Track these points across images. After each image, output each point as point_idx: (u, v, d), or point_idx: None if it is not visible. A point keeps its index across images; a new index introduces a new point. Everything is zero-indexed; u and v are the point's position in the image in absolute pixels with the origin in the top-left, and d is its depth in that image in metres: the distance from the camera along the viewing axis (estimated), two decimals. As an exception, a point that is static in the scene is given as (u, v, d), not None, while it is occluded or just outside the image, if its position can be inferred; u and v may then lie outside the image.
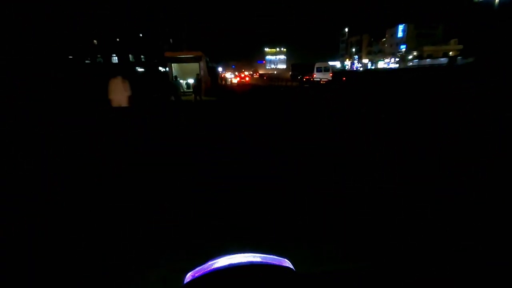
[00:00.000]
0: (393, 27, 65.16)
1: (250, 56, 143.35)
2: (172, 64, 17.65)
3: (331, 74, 27.00)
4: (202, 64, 18.26)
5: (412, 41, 59.49)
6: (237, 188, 3.46)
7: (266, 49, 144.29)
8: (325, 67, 27.12)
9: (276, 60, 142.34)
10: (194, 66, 17.83)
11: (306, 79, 28.74)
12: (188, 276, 0.46)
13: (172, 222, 2.69)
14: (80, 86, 19.09)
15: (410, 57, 56.36)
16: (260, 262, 0.45)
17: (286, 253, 0.53)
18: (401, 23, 61.47)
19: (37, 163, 4.74)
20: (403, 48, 60.49)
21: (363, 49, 79.46)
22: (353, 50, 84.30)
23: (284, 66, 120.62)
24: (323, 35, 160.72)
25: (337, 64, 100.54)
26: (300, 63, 35.48)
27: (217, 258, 0.46)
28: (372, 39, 77.11)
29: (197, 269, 0.46)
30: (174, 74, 15.87)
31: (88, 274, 2.01)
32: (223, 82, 40.14)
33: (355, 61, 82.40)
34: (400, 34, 62.09)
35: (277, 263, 0.46)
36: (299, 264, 0.51)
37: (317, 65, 27.38)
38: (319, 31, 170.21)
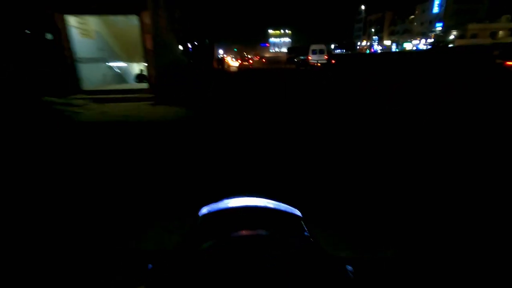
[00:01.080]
0: (426, 2, 54.60)
1: (253, 39, 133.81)
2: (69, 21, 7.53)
3: (326, 57, 26.49)
4: (150, 21, 7.79)
5: (450, 18, 49.21)
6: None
7: (270, 31, 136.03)
8: (320, 49, 26.70)
9: (280, 43, 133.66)
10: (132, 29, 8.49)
11: (301, 61, 27.97)
12: (203, 210, 0.46)
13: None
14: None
15: (451, 37, 46.29)
16: (274, 207, 0.46)
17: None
18: (438, -4, 50.90)
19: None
20: (439, 26, 50.23)
21: (385, 29, 68.85)
22: (372, 30, 73.63)
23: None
24: (333, 14, 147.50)
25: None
26: (296, 46, 35.64)
27: (233, 198, 0.47)
28: (396, 17, 66.42)
29: (212, 204, 0.46)
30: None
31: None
32: (220, 66, 32.11)
33: (375, 43, 71.93)
34: (435, 9, 51.56)
35: (289, 211, 0.47)
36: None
37: (312, 47, 26.97)
38: (329, 11, 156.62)
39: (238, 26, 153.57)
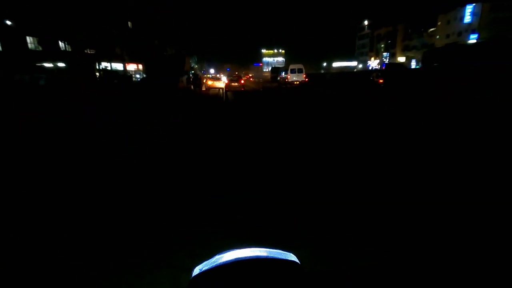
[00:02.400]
0: (452, 11, 46.50)
1: (246, 59, 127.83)
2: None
3: (304, 75, 28.27)
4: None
5: (486, 28, 40.78)
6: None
7: (263, 51, 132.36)
8: (298, 69, 28.50)
9: (273, 63, 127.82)
10: None
11: (281, 79, 30.75)
12: (196, 270, 0.47)
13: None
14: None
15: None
16: (266, 256, 0.46)
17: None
18: (469, 3, 42.67)
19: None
20: (473, 38, 41.61)
21: (397, 44, 60.66)
22: (382, 46, 65.50)
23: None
24: (330, 31, 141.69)
25: (353, 64, 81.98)
26: (278, 67, 40.92)
27: (224, 253, 0.47)
28: (410, 30, 58.46)
29: (204, 263, 0.47)
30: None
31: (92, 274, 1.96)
32: (196, 88, 26.51)
33: (385, 60, 63.51)
34: (467, 18, 43.25)
35: (282, 257, 0.47)
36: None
37: (291, 66, 29.03)
38: (326, 28, 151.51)
39: (231, 46, 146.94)
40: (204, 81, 30.25)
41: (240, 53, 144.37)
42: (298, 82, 27.35)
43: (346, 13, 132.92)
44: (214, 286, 0.43)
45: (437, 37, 49.94)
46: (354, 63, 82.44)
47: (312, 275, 0.46)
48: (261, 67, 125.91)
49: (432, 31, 51.52)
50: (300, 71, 28.33)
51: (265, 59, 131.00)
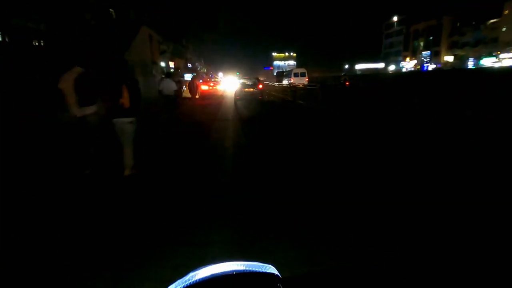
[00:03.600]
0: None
1: (257, 62, 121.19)
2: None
3: (307, 79, 29.47)
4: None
5: None
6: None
7: (274, 54, 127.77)
8: (301, 73, 30.46)
9: (284, 66, 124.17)
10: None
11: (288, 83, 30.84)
12: None
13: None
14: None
15: None
16: (244, 270, 0.44)
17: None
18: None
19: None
20: None
21: (442, 40, 50.38)
22: (421, 44, 55.29)
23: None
24: (350, 30, 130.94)
25: (379, 66, 71.78)
26: (283, 71, 43.76)
27: (198, 269, 0.45)
28: (459, 24, 48.20)
29: (177, 281, 0.44)
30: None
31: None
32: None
33: (426, 59, 53.25)
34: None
35: (261, 270, 0.45)
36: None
37: (294, 71, 31.81)
38: (344, 27, 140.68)
39: (240, 49, 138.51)
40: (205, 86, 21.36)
41: (250, 57, 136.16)
42: (301, 85, 27.74)
43: (369, 10, 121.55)
44: None
45: (503, 29, 39.56)
46: (380, 65, 72.27)
47: (291, 282, 0.46)
48: (272, 71, 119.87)
49: (494, 22, 41.16)
50: (302, 75, 29.90)
51: (276, 62, 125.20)
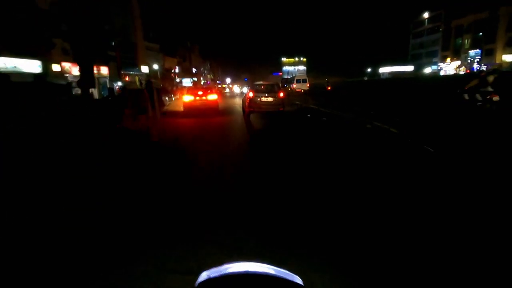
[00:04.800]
0: None
1: (266, 67, 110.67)
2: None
3: (308, 85, 32.70)
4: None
5: None
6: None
7: (284, 59, 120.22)
8: (303, 79, 33.84)
9: (294, 71, 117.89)
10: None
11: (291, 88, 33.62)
12: (203, 275, 0.46)
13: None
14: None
15: None
16: (274, 274, 0.46)
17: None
18: None
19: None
20: None
21: (498, 36, 40.95)
22: (467, 41, 45.87)
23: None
24: (368, 31, 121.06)
25: (408, 69, 62.38)
26: (287, 78, 45.80)
27: (233, 263, 0.47)
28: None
29: (212, 270, 0.46)
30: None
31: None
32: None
33: (474, 59, 43.75)
34: None
35: (289, 278, 0.47)
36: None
37: (296, 77, 35.25)
38: (361, 27, 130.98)
39: (249, 54, 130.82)
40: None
41: (259, 62, 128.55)
42: (302, 90, 30.45)
43: (393, 7, 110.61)
44: None
45: None
46: (409, 68, 62.84)
47: None
48: (281, 77, 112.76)
49: None
50: (304, 81, 33.47)
51: (285, 68, 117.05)
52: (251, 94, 11.28)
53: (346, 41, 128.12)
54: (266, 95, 11.11)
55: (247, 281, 0.43)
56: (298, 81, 33.39)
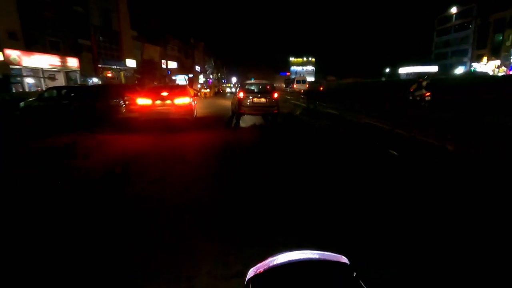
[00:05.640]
0: None
1: (273, 67, 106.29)
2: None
3: (307, 86, 35.23)
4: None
5: None
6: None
7: (292, 59, 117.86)
8: (302, 80, 37.57)
9: (302, 72, 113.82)
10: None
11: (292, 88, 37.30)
12: (251, 272, 0.48)
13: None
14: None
15: None
16: (318, 258, 0.47)
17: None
18: None
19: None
20: None
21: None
22: (509, 37, 39.49)
23: (312, 79, 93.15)
24: (383, 29, 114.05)
25: (431, 69, 56.05)
26: (289, 78, 54.45)
27: (277, 255, 0.48)
28: None
29: (258, 265, 0.48)
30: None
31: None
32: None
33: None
34: None
35: (334, 259, 0.48)
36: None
37: (296, 78, 39.82)
38: (374, 25, 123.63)
39: (256, 53, 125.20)
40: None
41: (266, 61, 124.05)
42: (301, 90, 31.77)
43: (413, 2, 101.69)
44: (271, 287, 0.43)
45: None
46: (433, 68, 56.46)
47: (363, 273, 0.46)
48: (288, 77, 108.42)
49: None
50: (303, 82, 36.75)
51: (293, 68, 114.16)
52: (241, 95, 9.70)
53: (360, 39, 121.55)
54: (259, 95, 9.77)
55: (293, 269, 0.44)
56: (298, 82, 37.04)
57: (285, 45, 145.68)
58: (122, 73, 27.68)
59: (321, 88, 32.22)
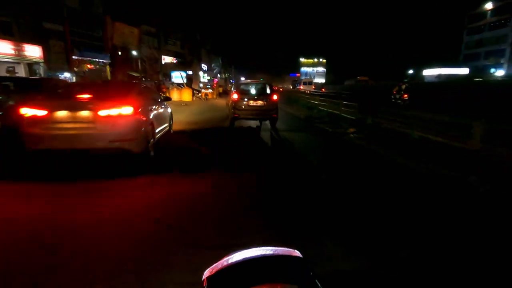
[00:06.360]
0: None
1: (284, 68, 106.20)
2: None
3: (313, 87, 37.92)
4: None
5: None
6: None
7: (302, 60, 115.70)
8: (309, 82, 41.43)
9: (312, 73, 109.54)
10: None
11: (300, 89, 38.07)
12: (206, 273, 0.48)
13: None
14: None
15: None
16: (272, 254, 0.49)
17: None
18: None
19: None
20: None
21: None
22: None
23: (323, 80, 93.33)
24: (402, 27, 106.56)
25: (462, 71, 50.29)
26: (296, 79, 58.48)
27: (232, 254, 0.49)
28: None
29: (214, 265, 0.49)
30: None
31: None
32: None
33: None
34: None
35: (287, 253, 0.49)
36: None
37: (303, 80, 43.80)
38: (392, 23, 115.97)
39: (266, 53, 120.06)
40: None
41: (276, 62, 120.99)
42: (308, 91, 30.51)
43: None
44: (227, 286, 0.45)
45: None
46: (463, 70, 50.66)
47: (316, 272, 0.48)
48: (298, 78, 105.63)
49: None
50: (310, 83, 39.95)
51: (304, 69, 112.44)
52: (235, 96, 8.47)
53: (377, 37, 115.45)
54: (255, 98, 8.54)
55: (248, 267, 0.45)
56: (305, 83, 40.34)
57: (296, 46, 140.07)
58: (108, 67, 23.16)
59: (323, 90, 31.25)
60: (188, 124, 8.60)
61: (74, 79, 17.07)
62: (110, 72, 23.35)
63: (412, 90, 15.79)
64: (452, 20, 58.44)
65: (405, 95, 15.11)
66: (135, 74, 25.20)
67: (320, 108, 13.45)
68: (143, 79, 22.89)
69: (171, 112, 6.57)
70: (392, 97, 15.78)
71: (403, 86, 15.59)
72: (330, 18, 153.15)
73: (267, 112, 8.42)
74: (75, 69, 18.98)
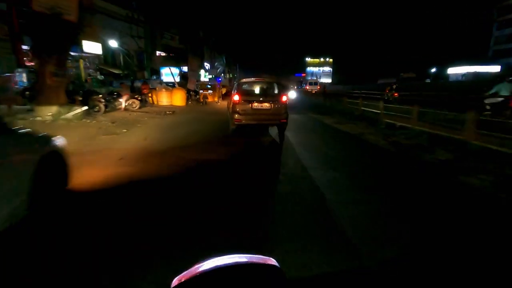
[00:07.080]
0: None
1: (289, 68, 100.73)
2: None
3: (318, 87, 38.11)
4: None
5: None
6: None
7: (308, 59, 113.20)
8: (315, 82, 43.03)
9: (318, 73, 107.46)
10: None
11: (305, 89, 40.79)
12: (175, 281, 0.46)
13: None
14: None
15: None
16: (246, 262, 0.46)
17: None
18: None
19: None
20: None
21: None
22: None
23: (329, 80, 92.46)
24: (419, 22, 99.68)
25: (492, 69, 44.96)
26: (301, 80, 58.56)
27: (203, 262, 0.47)
28: None
29: (183, 273, 0.46)
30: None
31: None
32: None
33: None
34: None
35: (262, 261, 0.47)
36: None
37: (309, 80, 45.52)
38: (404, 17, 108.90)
39: (271, 52, 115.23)
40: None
41: (282, 61, 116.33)
42: (313, 91, 33.22)
43: None
44: None
45: None
46: (494, 68, 45.32)
47: (293, 280, 0.46)
48: (304, 78, 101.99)
49: None
50: (315, 84, 41.30)
51: (310, 68, 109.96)
52: (236, 98, 7.20)
53: (393, 32, 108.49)
54: (261, 99, 7.27)
55: (219, 275, 0.43)
56: (310, 84, 42.58)
57: (302, 45, 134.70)
58: (81, 62, 18.33)
59: (325, 90, 30.33)
60: (140, 158, 4.02)
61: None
62: (84, 67, 18.52)
63: (399, 90, 18.05)
64: (479, 14, 53.02)
65: (395, 94, 17.49)
66: (115, 71, 20.48)
67: (401, 123, 8.44)
68: (126, 77, 18.12)
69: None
70: (385, 95, 17.50)
71: (394, 86, 18.70)
72: (340, 14, 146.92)
73: (275, 117, 7.33)
74: (28, 63, 14.21)
